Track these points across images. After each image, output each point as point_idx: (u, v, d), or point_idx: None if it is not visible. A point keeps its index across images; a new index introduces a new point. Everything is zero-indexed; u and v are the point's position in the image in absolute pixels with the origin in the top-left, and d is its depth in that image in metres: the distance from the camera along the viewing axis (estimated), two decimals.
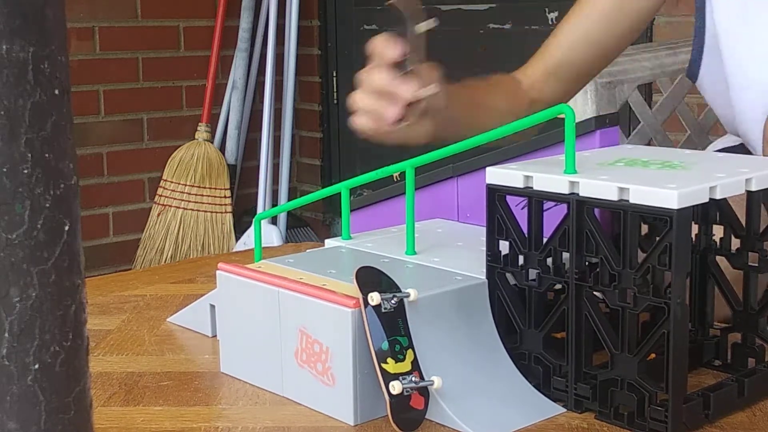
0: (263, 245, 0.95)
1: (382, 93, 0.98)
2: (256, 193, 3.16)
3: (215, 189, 3.19)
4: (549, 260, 0.72)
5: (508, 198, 0.74)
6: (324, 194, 0.93)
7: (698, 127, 1.66)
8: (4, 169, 0.38)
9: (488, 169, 0.74)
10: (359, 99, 1.01)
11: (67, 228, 0.40)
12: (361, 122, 1.01)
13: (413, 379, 0.68)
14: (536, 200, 0.72)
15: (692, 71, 1.25)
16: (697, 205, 0.66)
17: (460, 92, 1.10)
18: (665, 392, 0.66)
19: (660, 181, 0.67)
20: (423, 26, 0.95)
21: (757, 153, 1.19)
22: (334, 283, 0.74)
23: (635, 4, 1.22)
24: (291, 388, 0.75)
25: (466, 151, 0.88)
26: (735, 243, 0.77)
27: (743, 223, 0.76)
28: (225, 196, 3.19)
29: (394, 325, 0.69)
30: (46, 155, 0.39)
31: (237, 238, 3.18)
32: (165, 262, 3.08)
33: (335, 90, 3.39)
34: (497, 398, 0.71)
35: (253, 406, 0.74)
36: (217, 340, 0.83)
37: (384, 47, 0.96)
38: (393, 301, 0.69)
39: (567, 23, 1.26)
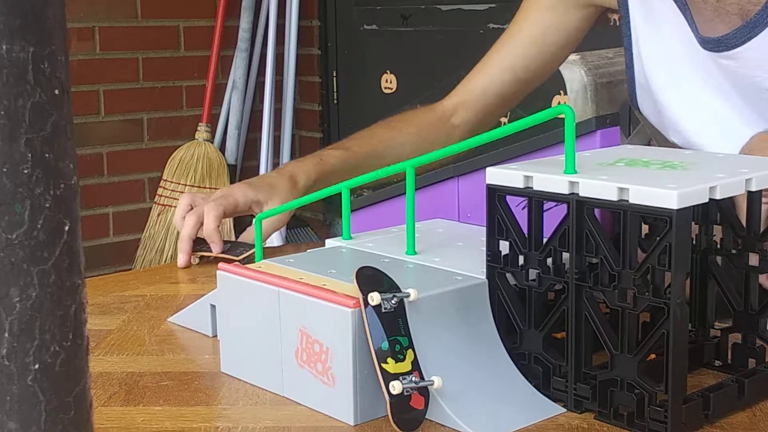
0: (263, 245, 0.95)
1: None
2: None
3: (215, 189, 3.19)
4: (549, 260, 0.72)
5: (509, 198, 0.74)
6: (324, 194, 0.93)
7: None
8: (4, 169, 0.38)
9: (488, 169, 0.74)
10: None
11: (67, 228, 0.40)
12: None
13: (413, 379, 0.68)
14: (536, 200, 0.72)
15: (632, 99, 1.26)
16: (697, 206, 0.66)
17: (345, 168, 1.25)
18: (665, 393, 0.66)
19: (660, 181, 0.67)
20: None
21: None
22: (334, 283, 0.74)
23: (549, 39, 1.30)
24: (291, 388, 0.75)
25: (466, 151, 0.88)
26: (735, 243, 0.77)
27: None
28: None
29: (394, 325, 0.69)
30: (46, 155, 0.39)
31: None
32: (165, 262, 3.07)
33: (335, 90, 3.39)
34: (497, 398, 0.71)
35: (253, 406, 0.74)
36: (218, 340, 0.83)
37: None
38: (393, 301, 0.69)
39: (489, 54, 1.35)
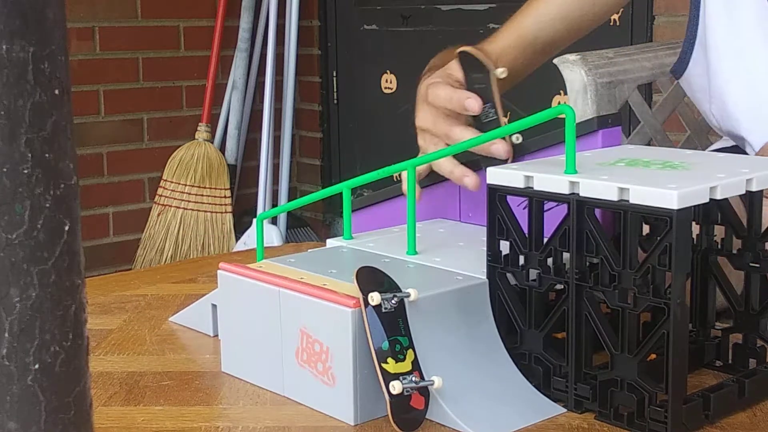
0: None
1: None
2: (256, 193, 3.15)
3: (215, 189, 3.19)
4: (549, 260, 0.72)
5: (509, 198, 0.74)
6: (325, 194, 0.93)
7: (698, 127, 1.66)
8: (4, 169, 0.38)
9: (489, 169, 0.74)
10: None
11: (67, 228, 0.40)
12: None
13: (413, 379, 0.68)
14: (537, 200, 0.72)
15: (681, 65, 1.25)
16: (698, 206, 0.66)
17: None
18: (665, 393, 0.66)
19: (660, 181, 0.67)
20: (501, 72, 0.94)
21: (747, 149, 1.19)
22: (334, 283, 0.74)
23: None
24: (291, 388, 0.75)
25: (467, 151, 0.88)
26: (736, 243, 0.77)
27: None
28: (225, 196, 3.19)
29: (395, 325, 0.69)
30: (46, 155, 0.39)
31: (237, 238, 3.18)
32: (165, 262, 3.07)
33: (335, 90, 3.39)
34: (497, 398, 0.71)
35: (253, 406, 0.74)
36: (218, 339, 0.83)
37: (463, 101, 0.94)
38: (393, 301, 0.69)
39: (539, 1, 1.27)
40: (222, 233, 3.17)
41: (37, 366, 0.39)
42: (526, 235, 0.73)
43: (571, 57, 1.44)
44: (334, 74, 3.38)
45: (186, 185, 3.16)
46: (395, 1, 3.15)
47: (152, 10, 3.17)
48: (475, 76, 0.95)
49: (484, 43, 1.22)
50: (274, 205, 3.24)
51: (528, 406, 0.71)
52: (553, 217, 0.72)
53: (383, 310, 0.69)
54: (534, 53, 1.26)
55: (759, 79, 1.14)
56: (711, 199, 0.67)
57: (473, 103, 0.92)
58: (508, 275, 0.75)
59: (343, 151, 3.43)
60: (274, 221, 3.19)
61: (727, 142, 1.32)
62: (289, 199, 3.28)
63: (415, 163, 0.82)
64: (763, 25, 1.12)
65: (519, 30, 1.26)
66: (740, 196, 0.71)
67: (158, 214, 3.18)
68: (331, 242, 0.89)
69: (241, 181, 3.35)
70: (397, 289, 0.70)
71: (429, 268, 0.79)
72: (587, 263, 0.70)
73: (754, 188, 0.70)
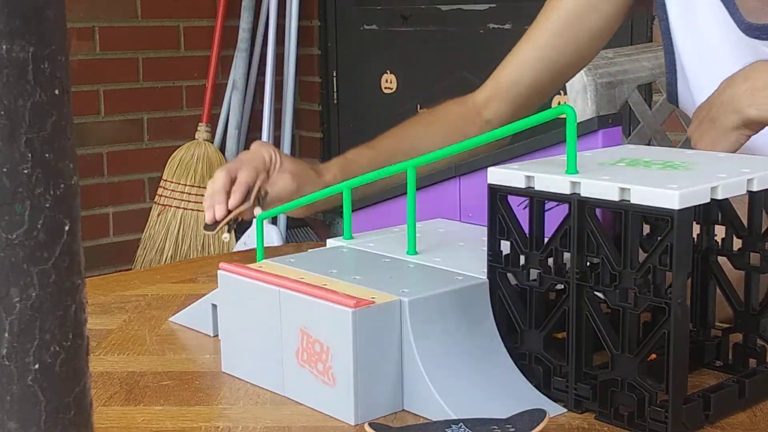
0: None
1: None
2: None
3: None
4: (550, 260, 0.72)
5: (510, 198, 0.73)
6: (325, 194, 0.93)
7: None
8: (4, 169, 0.38)
9: (490, 169, 0.74)
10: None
11: (67, 228, 0.40)
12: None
13: None
14: (537, 200, 0.72)
15: (671, 95, 1.25)
16: (698, 206, 0.66)
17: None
18: (665, 393, 0.66)
19: (661, 181, 0.67)
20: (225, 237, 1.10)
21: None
22: (335, 283, 0.74)
23: (585, 23, 1.25)
24: (292, 388, 0.75)
25: (468, 151, 0.88)
26: (737, 243, 0.77)
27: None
28: None
29: None
30: (46, 155, 0.39)
31: (237, 238, 3.18)
32: (165, 262, 3.07)
33: (335, 90, 3.39)
34: (497, 398, 0.71)
35: (253, 406, 0.74)
36: (218, 339, 0.83)
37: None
38: None
39: (519, 44, 1.29)
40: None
41: (37, 366, 0.39)
42: (527, 235, 0.73)
43: None
44: (334, 74, 3.38)
45: (186, 185, 3.16)
46: (395, 1, 3.15)
47: (152, 10, 3.17)
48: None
49: (472, 95, 1.30)
50: None
51: (528, 406, 0.71)
52: (554, 217, 0.72)
53: None
54: (518, 97, 1.29)
55: None
56: (712, 199, 0.67)
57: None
58: (509, 275, 0.75)
59: (343, 151, 3.41)
60: (274, 221, 3.19)
61: None
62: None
63: (415, 164, 0.82)
64: (731, 41, 1.13)
65: (497, 78, 1.30)
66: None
67: (158, 214, 3.18)
68: (331, 242, 0.89)
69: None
70: None
71: (429, 268, 0.79)
72: (588, 263, 0.70)
73: (755, 188, 0.70)
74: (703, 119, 0.99)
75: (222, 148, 3.28)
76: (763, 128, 0.97)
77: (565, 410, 0.71)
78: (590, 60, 1.31)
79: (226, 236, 1.08)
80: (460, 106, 1.31)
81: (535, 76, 1.28)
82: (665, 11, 1.19)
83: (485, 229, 0.75)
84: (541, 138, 0.86)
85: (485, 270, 0.75)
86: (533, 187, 0.72)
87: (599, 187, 0.68)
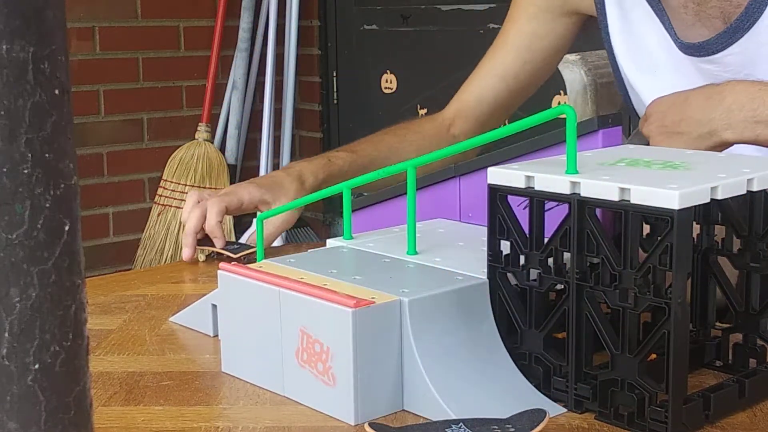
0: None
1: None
2: None
3: (215, 189, 3.18)
4: (550, 260, 0.72)
5: (510, 198, 0.73)
6: (325, 194, 0.93)
7: None
8: (4, 169, 0.38)
9: (490, 169, 0.74)
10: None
11: (67, 228, 0.40)
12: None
13: None
14: (537, 200, 0.72)
15: (628, 104, 1.27)
16: (698, 206, 0.66)
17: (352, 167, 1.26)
18: (665, 393, 0.66)
19: (661, 181, 0.67)
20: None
21: None
22: (335, 283, 0.74)
23: (542, 43, 1.31)
24: (292, 388, 0.75)
25: (468, 151, 0.88)
26: (737, 243, 0.77)
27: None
28: None
29: None
30: (46, 155, 0.39)
31: (237, 239, 3.18)
32: (165, 262, 3.07)
33: (335, 90, 3.38)
34: (497, 398, 0.71)
35: (253, 406, 0.74)
36: (219, 339, 0.83)
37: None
38: None
39: (481, 63, 1.36)
40: (225, 231, 3.17)
41: (37, 366, 0.39)
42: (527, 235, 0.73)
43: (571, 57, 1.45)
44: (334, 74, 3.38)
45: (186, 185, 3.16)
46: (395, 1, 3.15)
47: (152, 10, 3.17)
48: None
49: (441, 113, 1.36)
50: None
51: (528, 406, 0.71)
52: (554, 217, 0.72)
53: None
54: (482, 115, 1.36)
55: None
56: (712, 199, 0.67)
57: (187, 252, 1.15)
58: (509, 275, 0.75)
59: None
60: None
61: None
62: None
63: (415, 164, 0.82)
64: (673, 57, 1.13)
65: (459, 97, 1.37)
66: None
67: (158, 214, 3.17)
68: (331, 242, 0.89)
69: (241, 181, 3.35)
70: None
71: (429, 268, 0.79)
72: (588, 263, 0.70)
73: (755, 188, 0.70)
74: (669, 129, 1.00)
75: (222, 148, 3.28)
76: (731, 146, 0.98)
77: (565, 410, 0.71)
78: (547, 77, 1.38)
79: (201, 256, 1.19)
80: (431, 122, 1.38)
81: (495, 95, 1.35)
82: (606, 21, 1.21)
83: (485, 229, 0.75)
84: (541, 138, 0.86)
85: (485, 270, 0.75)
86: (533, 187, 0.72)
87: (599, 187, 0.68)
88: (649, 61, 1.17)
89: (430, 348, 0.71)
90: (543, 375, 0.73)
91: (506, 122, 0.99)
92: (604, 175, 0.70)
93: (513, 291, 0.75)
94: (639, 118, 1.26)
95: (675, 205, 0.64)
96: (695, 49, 1.10)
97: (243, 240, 3.26)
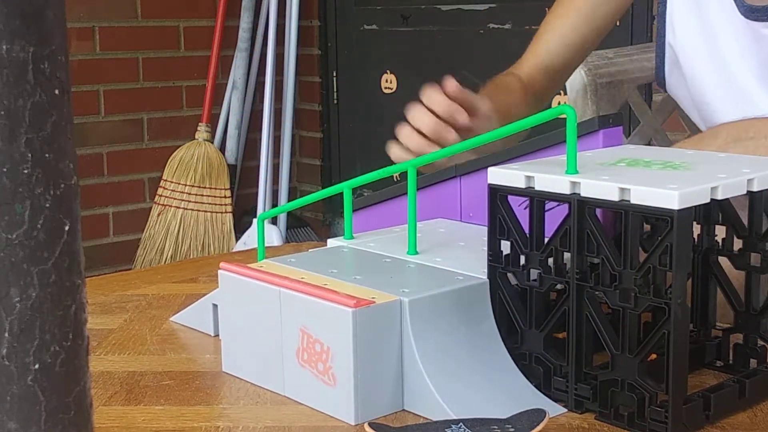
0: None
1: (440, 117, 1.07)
2: (256, 193, 3.16)
3: (215, 189, 3.19)
4: (550, 260, 0.72)
5: (510, 198, 0.73)
6: (326, 194, 0.93)
7: (697, 127, 1.66)
8: (4, 169, 0.38)
9: (490, 169, 0.74)
10: (419, 118, 1.09)
11: (67, 228, 0.40)
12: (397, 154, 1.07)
13: None
14: (538, 200, 0.72)
15: (659, 77, 1.27)
16: (699, 206, 0.66)
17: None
18: (666, 393, 0.66)
19: (661, 181, 0.67)
20: None
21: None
22: (335, 283, 0.74)
23: (606, 6, 1.31)
24: (292, 388, 0.75)
25: (468, 151, 0.88)
26: (737, 243, 0.77)
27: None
28: (225, 196, 3.19)
29: None
30: (46, 155, 0.39)
31: (237, 238, 3.18)
32: (165, 262, 3.08)
33: (335, 90, 3.39)
34: (497, 398, 0.71)
35: (254, 406, 0.74)
36: (219, 339, 0.83)
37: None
38: None
39: (547, 26, 1.35)
40: (222, 233, 3.17)
41: (37, 366, 0.39)
42: (527, 235, 0.73)
43: None
44: (334, 74, 3.38)
45: (186, 185, 3.16)
46: (395, 1, 3.15)
47: (152, 10, 3.17)
48: None
49: (514, 70, 1.33)
50: (274, 205, 3.24)
51: (528, 406, 0.71)
52: (554, 217, 0.72)
53: None
54: (549, 79, 1.35)
55: (739, 82, 1.15)
56: (712, 199, 0.67)
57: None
58: (509, 275, 0.75)
59: (343, 151, 3.43)
60: (274, 221, 3.19)
61: None
62: (289, 199, 3.29)
63: (415, 164, 0.82)
64: (733, 24, 1.13)
65: (536, 56, 1.35)
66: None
67: (158, 214, 3.18)
68: (331, 242, 0.89)
69: (241, 181, 3.35)
70: None
71: (429, 268, 0.79)
72: (588, 263, 0.70)
73: (755, 188, 0.70)
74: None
75: (222, 148, 3.28)
76: None
77: (565, 410, 0.71)
78: (599, 43, 1.37)
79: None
80: (516, 81, 1.34)
81: (564, 60, 1.34)
82: None
83: (485, 229, 0.75)
84: (541, 138, 0.86)
85: (485, 270, 0.75)
86: (533, 187, 0.72)
87: (599, 187, 0.68)
88: (708, 26, 1.16)
89: (430, 348, 0.71)
90: (543, 375, 0.73)
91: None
92: (604, 175, 0.70)
93: (513, 291, 0.75)
94: (663, 82, 1.26)
95: (675, 205, 0.64)
96: (761, 13, 1.09)
97: (242, 240, 3.24)
